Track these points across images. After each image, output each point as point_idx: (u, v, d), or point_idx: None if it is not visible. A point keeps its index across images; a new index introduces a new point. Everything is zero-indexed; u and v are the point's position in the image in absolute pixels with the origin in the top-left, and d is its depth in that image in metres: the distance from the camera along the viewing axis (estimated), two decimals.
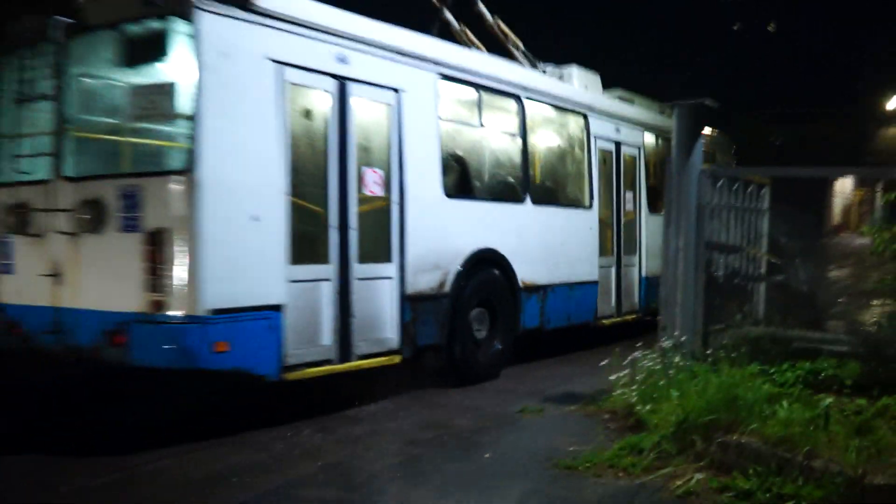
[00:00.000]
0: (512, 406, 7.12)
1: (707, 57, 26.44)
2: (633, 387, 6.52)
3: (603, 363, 7.11)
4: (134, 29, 6.14)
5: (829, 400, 5.55)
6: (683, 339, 6.76)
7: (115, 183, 6.00)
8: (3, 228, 6.68)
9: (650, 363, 6.73)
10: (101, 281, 6.07)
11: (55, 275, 6.29)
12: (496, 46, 10.24)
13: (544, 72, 10.38)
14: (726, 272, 7.46)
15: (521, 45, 10.31)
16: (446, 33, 9.52)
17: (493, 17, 10.13)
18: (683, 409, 5.62)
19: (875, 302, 7.37)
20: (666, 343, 6.78)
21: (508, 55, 10.11)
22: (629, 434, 5.96)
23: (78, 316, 6.14)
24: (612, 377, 6.83)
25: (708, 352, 6.72)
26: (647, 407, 6.09)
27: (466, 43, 9.68)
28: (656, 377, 6.44)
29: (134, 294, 5.81)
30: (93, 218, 6.02)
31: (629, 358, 6.88)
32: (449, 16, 9.71)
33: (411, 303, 7.42)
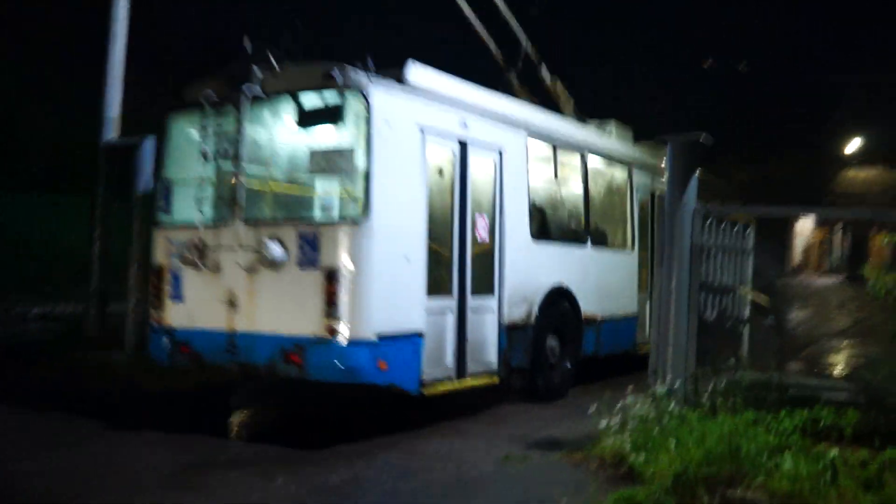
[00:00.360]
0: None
1: (675, 93, 27.93)
2: (625, 434, 6.29)
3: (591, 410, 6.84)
4: (310, 98, 7.35)
5: (833, 452, 5.44)
6: (677, 384, 6.70)
7: (294, 227, 7.14)
8: (178, 262, 7.80)
9: (641, 409, 6.56)
10: (277, 309, 7.13)
11: (231, 303, 7.42)
12: (547, 100, 11.55)
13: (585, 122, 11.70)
14: (718, 313, 7.44)
15: (572, 103, 11.67)
16: (507, 90, 10.79)
17: (552, 77, 11.50)
18: (682, 460, 5.45)
19: (872, 348, 7.38)
20: (659, 390, 6.65)
21: (560, 111, 11.44)
22: (622, 485, 5.59)
23: (253, 338, 7.20)
24: (601, 425, 6.52)
25: (703, 398, 6.62)
26: (641, 456, 5.84)
27: (528, 101, 10.99)
28: (650, 424, 6.26)
29: (310, 320, 6.88)
30: (270, 257, 7.14)
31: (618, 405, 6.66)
32: (513, 78, 11.04)
33: (507, 331, 8.63)
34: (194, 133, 7.77)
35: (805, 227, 48.67)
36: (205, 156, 7.59)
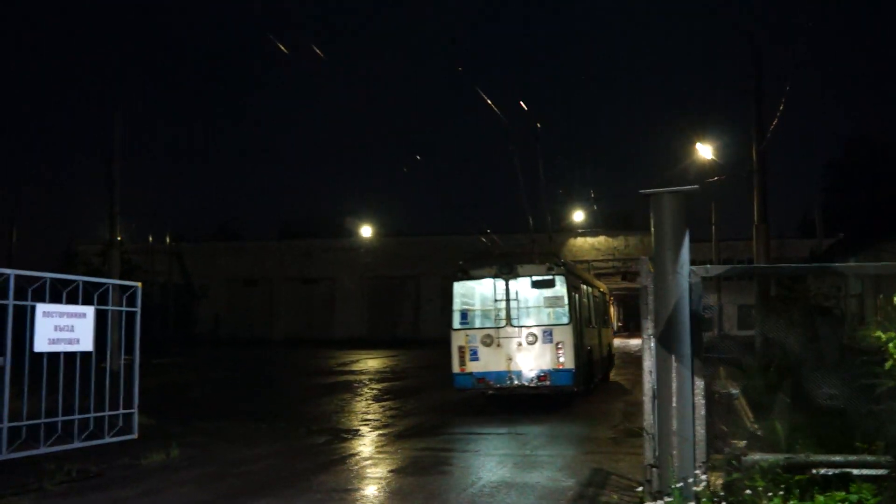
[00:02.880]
0: None
1: None
2: None
3: None
4: (539, 277, 17.74)
5: None
6: (687, 482, 5.89)
7: (541, 327, 17.40)
8: (475, 343, 17.82)
9: None
10: (533, 358, 17.15)
11: (508, 358, 17.56)
12: None
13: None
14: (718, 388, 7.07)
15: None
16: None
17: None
18: None
19: None
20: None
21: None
22: None
23: (522, 372, 17.34)
24: None
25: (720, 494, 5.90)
26: None
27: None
28: None
29: (549, 362, 17.05)
30: (530, 339, 17.48)
31: None
32: None
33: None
34: (470, 287, 18.09)
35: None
36: (495, 301, 17.87)
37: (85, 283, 11.35)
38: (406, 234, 64.55)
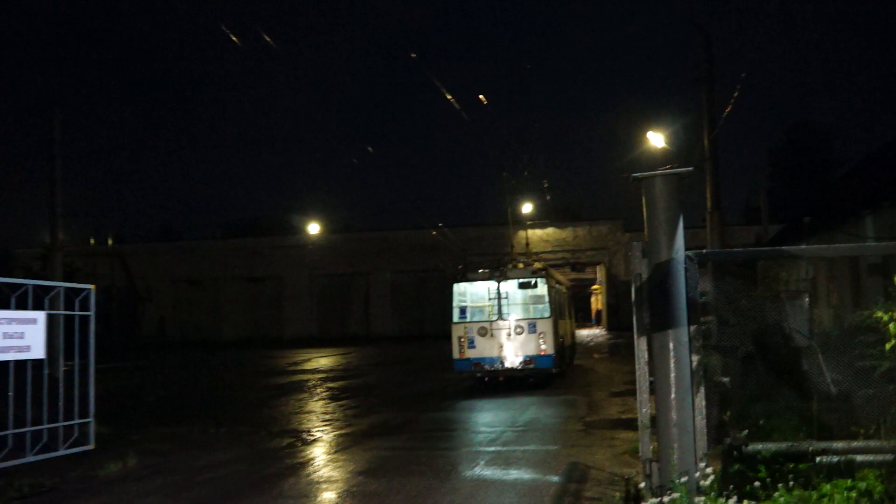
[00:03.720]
0: None
1: None
2: None
3: None
4: (524, 280, 19.98)
5: None
6: (693, 475, 5.65)
7: (526, 320, 19.93)
8: (473, 333, 19.64)
9: None
10: (520, 346, 19.72)
11: (500, 346, 19.44)
12: None
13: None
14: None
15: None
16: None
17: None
18: None
19: None
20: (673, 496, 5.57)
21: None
22: None
23: (511, 357, 19.57)
24: None
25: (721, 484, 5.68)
26: None
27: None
28: None
29: (534, 348, 19.63)
30: (518, 330, 19.43)
31: None
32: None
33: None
34: (468, 288, 20.63)
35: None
36: (487, 298, 20.29)
37: (35, 287, 10.75)
38: (355, 230, 63.98)
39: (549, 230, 51.97)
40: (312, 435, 14.07)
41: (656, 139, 27.46)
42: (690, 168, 6.20)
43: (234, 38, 14.95)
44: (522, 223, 54.96)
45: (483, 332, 19.93)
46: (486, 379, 20.39)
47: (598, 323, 58.12)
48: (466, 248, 55.23)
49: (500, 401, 17.94)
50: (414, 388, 22.63)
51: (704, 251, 6.34)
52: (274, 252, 59.82)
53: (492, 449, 11.80)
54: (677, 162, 26.89)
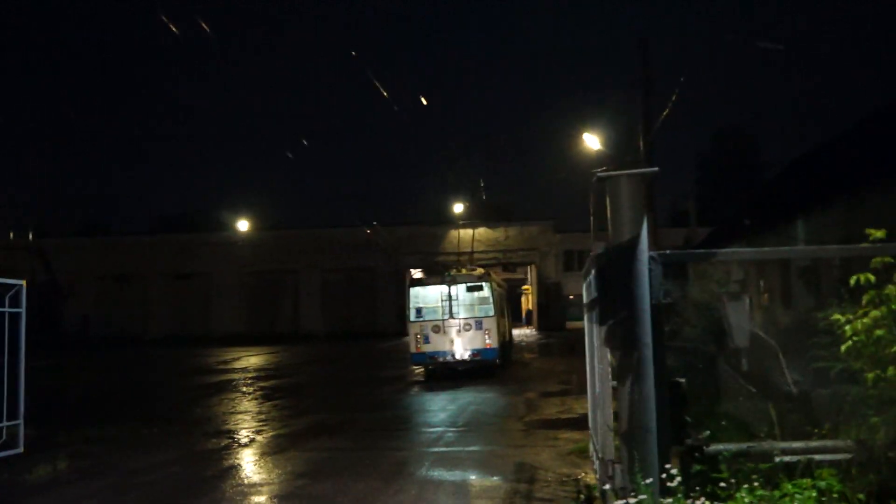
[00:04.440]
0: None
1: None
2: None
3: None
4: (472, 283, 22.88)
5: None
6: (661, 477, 5.57)
7: (474, 318, 22.62)
8: (427, 331, 22.14)
9: None
10: (468, 341, 22.42)
11: (451, 342, 22.23)
12: None
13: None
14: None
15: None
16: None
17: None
18: None
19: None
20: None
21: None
22: None
23: (461, 351, 22.30)
24: None
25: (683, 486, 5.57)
26: None
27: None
28: None
29: (480, 343, 22.43)
30: (467, 327, 22.32)
31: None
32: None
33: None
34: (422, 291, 23.01)
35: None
36: (441, 301, 22.68)
37: None
38: (285, 227, 63.15)
39: (481, 230, 52.03)
40: (249, 436, 13.75)
41: (592, 141, 27.73)
42: (656, 169, 6.29)
43: (171, 27, 14.42)
44: (455, 222, 55.16)
45: (436, 329, 22.47)
46: (439, 370, 22.82)
47: (528, 323, 58.42)
48: (399, 247, 55.07)
49: (439, 400, 17.84)
50: (347, 387, 22.46)
51: (669, 252, 6.20)
52: (203, 248, 58.67)
53: (436, 449, 11.69)
54: (612, 164, 27.21)
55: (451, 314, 22.44)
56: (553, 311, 54.11)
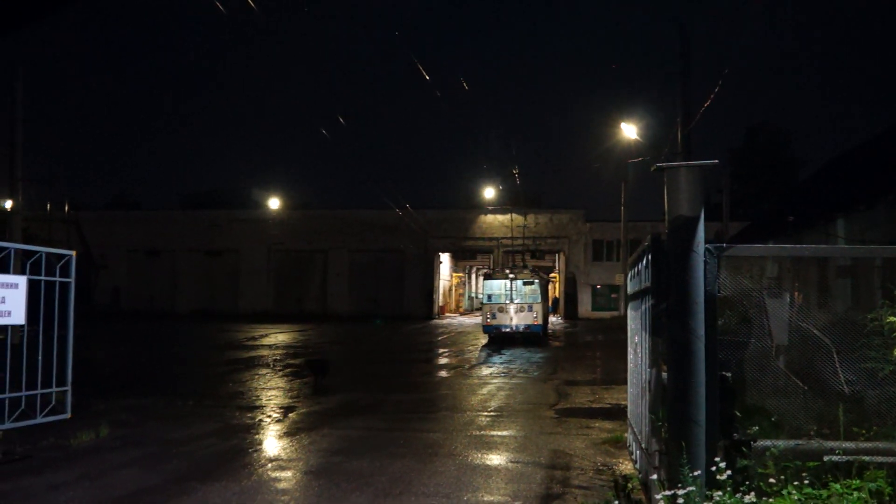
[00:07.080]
0: None
1: None
2: None
3: None
4: (527, 279, 32.23)
5: None
6: (710, 469, 5.56)
7: (526, 303, 31.78)
8: (495, 310, 31.38)
9: None
10: (523, 318, 31.53)
11: (511, 318, 31.44)
12: None
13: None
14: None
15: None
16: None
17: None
18: None
19: None
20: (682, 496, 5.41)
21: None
22: None
23: (517, 324, 31.26)
24: None
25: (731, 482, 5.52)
26: None
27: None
28: None
29: (531, 320, 31.56)
30: (521, 309, 31.43)
31: None
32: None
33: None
34: (492, 282, 32.83)
35: (444, 269, 63.25)
36: (503, 289, 32.15)
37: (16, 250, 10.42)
38: (315, 207, 63.40)
39: (509, 216, 52.00)
40: (282, 412, 13.91)
41: (629, 130, 27.62)
42: (715, 161, 6.05)
43: (218, 4, 14.41)
44: (484, 208, 55.10)
45: (501, 309, 31.63)
46: (500, 337, 31.40)
47: (554, 311, 58.45)
48: (428, 231, 55.17)
49: (470, 385, 17.92)
50: (377, 368, 22.56)
51: (725, 245, 6.17)
52: (232, 225, 59.12)
53: (468, 433, 11.75)
54: (648, 154, 27.06)
55: (511, 300, 31.48)
56: (580, 300, 54.21)
